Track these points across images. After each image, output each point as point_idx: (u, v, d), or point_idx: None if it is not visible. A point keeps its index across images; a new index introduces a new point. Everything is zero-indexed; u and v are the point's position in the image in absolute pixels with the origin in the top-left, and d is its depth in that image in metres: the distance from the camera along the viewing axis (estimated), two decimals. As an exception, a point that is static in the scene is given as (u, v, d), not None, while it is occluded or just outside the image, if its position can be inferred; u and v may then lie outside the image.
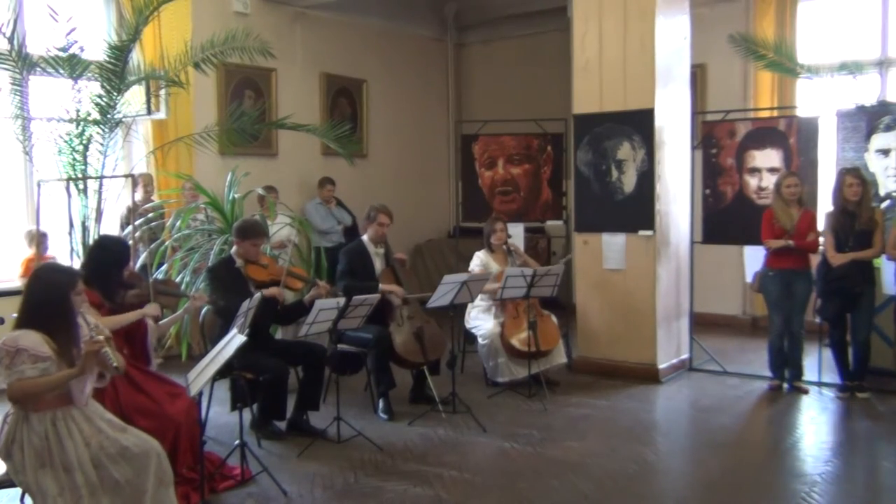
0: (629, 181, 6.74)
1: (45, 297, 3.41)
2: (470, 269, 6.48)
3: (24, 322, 3.39)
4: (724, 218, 6.91)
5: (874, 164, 6.61)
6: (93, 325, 3.52)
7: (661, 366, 6.72)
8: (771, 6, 8.49)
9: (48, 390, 3.30)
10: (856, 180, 5.89)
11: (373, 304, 5.26)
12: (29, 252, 6.69)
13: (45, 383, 3.28)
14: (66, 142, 6.06)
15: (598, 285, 6.93)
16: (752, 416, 6.01)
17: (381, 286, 5.80)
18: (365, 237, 6.15)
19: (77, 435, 3.34)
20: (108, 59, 6.11)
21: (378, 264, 6.09)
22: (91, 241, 5.86)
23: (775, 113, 8.03)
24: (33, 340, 3.30)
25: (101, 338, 3.34)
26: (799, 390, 6.27)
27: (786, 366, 6.36)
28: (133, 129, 7.08)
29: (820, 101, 7.73)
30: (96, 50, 6.29)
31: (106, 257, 4.52)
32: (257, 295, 4.81)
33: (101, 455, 3.34)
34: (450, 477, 4.57)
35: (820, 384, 6.40)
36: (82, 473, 3.28)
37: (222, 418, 5.56)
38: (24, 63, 5.96)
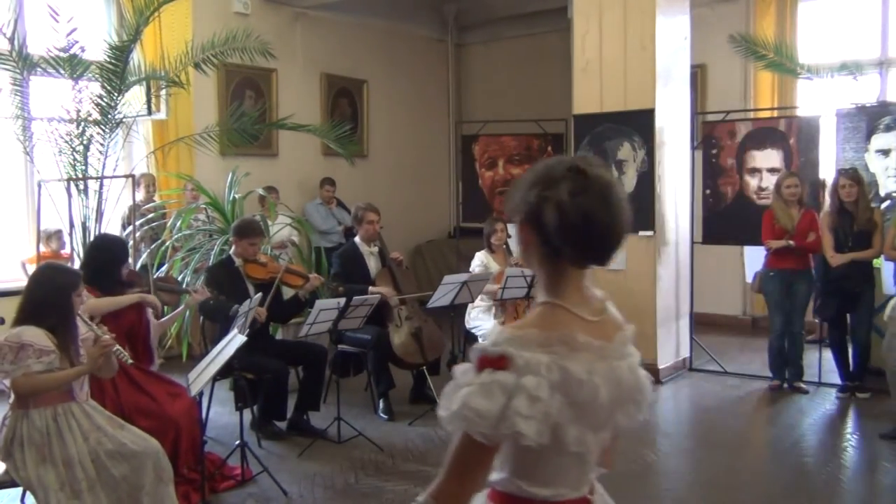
0: (629, 181, 6.74)
1: (47, 295, 3.45)
2: (471, 269, 6.48)
3: (24, 318, 3.42)
4: (724, 218, 6.91)
5: (874, 164, 6.60)
6: (96, 324, 3.55)
7: (662, 366, 6.73)
8: (771, 6, 8.49)
9: (55, 387, 3.36)
10: (849, 181, 5.88)
11: (373, 304, 5.26)
12: (44, 250, 6.65)
13: (54, 379, 3.34)
14: (66, 142, 6.07)
15: (597, 285, 6.89)
16: (752, 416, 6.02)
17: (372, 288, 5.78)
18: (357, 238, 6.14)
19: (76, 430, 3.38)
20: (108, 59, 6.12)
21: (373, 264, 6.08)
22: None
23: (775, 113, 8.04)
24: (36, 335, 3.34)
25: (109, 337, 3.40)
26: (799, 390, 6.27)
27: (786, 366, 6.36)
28: (133, 130, 7.08)
29: (820, 102, 7.73)
30: (97, 50, 6.29)
31: (104, 256, 4.54)
32: (257, 296, 4.82)
33: (98, 451, 3.37)
34: (450, 477, 4.56)
35: (820, 384, 6.40)
36: (82, 468, 3.31)
37: (223, 419, 5.57)
38: (24, 63, 5.96)
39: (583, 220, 1.57)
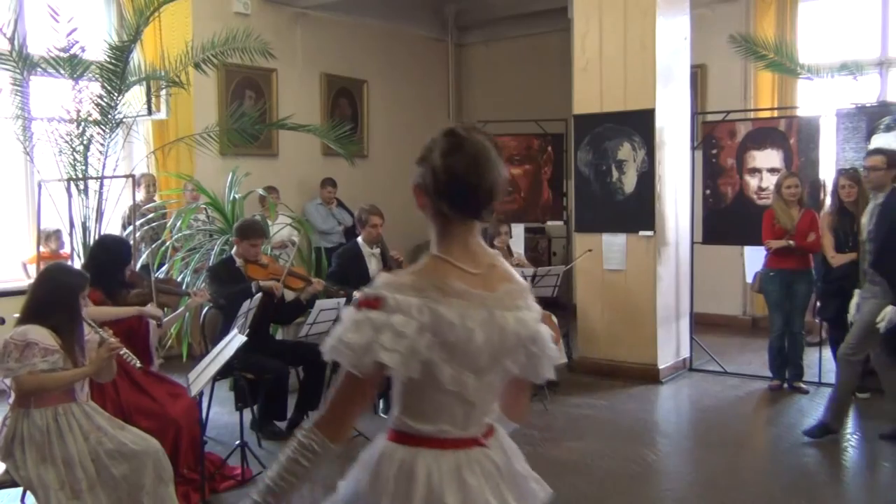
0: (629, 181, 6.74)
1: (54, 296, 3.47)
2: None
3: (29, 317, 3.43)
4: (724, 218, 6.91)
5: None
6: (100, 328, 3.57)
7: (662, 366, 6.72)
8: (771, 6, 8.50)
9: (60, 386, 3.37)
10: (848, 182, 5.88)
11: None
12: (42, 250, 6.64)
13: (58, 379, 3.35)
14: (66, 142, 6.07)
15: (598, 285, 6.93)
16: (752, 416, 6.02)
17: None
18: (359, 240, 6.14)
19: (77, 430, 3.39)
20: (108, 59, 6.12)
21: (373, 265, 6.08)
22: (92, 242, 5.87)
23: (775, 113, 8.04)
24: (41, 334, 3.36)
25: (115, 340, 3.42)
26: (799, 390, 6.28)
27: (786, 366, 6.36)
28: (134, 130, 7.08)
29: (820, 102, 7.73)
30: (97, 50, 6.30)
31: (107, 257, 4.55)
32: (258, 295, 4.82)
33: (99, 451, 3.38)
34: (450, 477, 4.56)
35: (820, 384, 6.40)
36: (82, 468, 3.32)
37: (223, 418, 5.56)
38: (24, 63, 5.96)
39: (450, 178, 1.76)
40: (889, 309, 4.79)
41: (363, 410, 1.80)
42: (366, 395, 1.78)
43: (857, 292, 5.26)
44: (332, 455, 1.78)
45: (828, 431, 5.13)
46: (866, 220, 5.14)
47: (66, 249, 6.61)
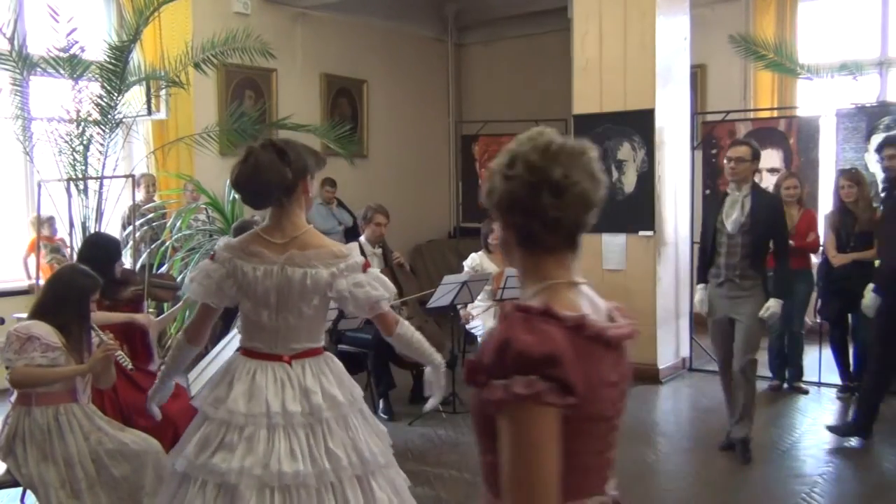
0: (629, 181, 6.75)
1: (67, 296, 3.49)
2: (464, 268, 6.50)
3: (38, 314, 3.46)
4: (725, 218, 6.90)
5: (874, 164, 6.60)
6: (103, 333, 3.59)
7: (661, 366, 6.73)
8: (771, 6, 8.50)
9: (53, 381, 3.38)
10: (848, 182, 5.88)
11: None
12: (34, 236, 6.63)
13: (52, 374, 3.36)
14: (66, 142, 6.07)
15: (597, 285, 6.79)
16: (752, 417, 6.01)
17: None
18: (362, 238, 6.15)
19: (77, 429, 3.40)
20: (108, 59, 6.12)
21: (375, 265, 6.08)
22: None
23: (775, 113, 8.04)
24: (46, 330, 3.38)
25: (113, 343, 3.45)
26: (799, 390, 6.27)
27: (786, 366, 6.36)
28: (133, 130, 7.08)
29: (820, 102, 7.72)
30: (97, 50, 6.29)
31: (98, 254, 4.52)
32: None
33: (99, 451, 3.39)
34: (450, 477, 4.57)
35: (820, 384, 6.40)
36: (82, 468, 3.33)
37: (223, 418, 5.57)
38: (24, 63, 5.96)
39: (235, 182, 2.69)
40: (772, 302, 4.67)
41: (212, 322, 2.75)
42: (209, 314, 2.71)
43: (700, 287, 5.01)
44: (190, 350, 2.76)
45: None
46: (736, 214, 4.77)
47: (59, 235, 6.64)
